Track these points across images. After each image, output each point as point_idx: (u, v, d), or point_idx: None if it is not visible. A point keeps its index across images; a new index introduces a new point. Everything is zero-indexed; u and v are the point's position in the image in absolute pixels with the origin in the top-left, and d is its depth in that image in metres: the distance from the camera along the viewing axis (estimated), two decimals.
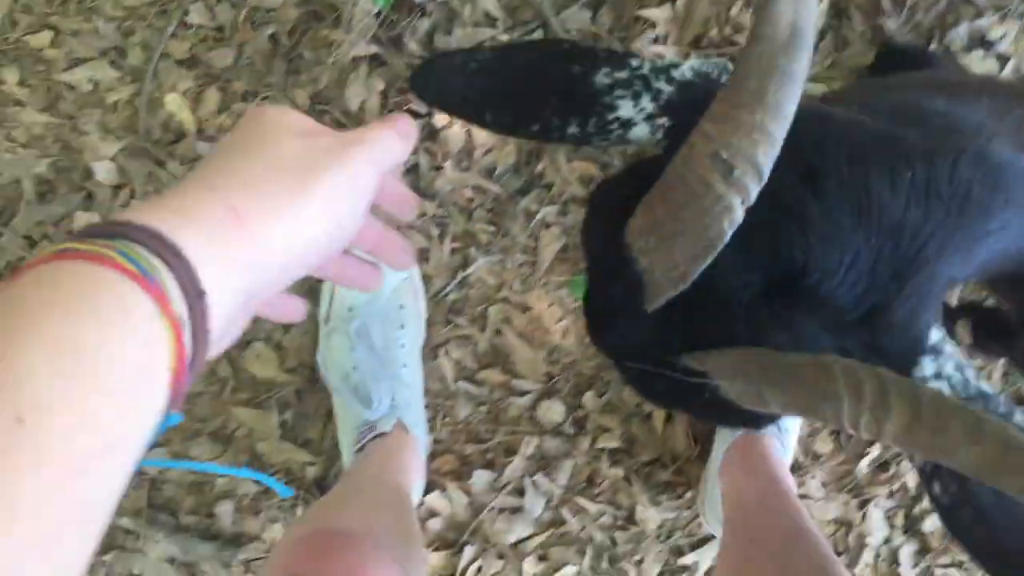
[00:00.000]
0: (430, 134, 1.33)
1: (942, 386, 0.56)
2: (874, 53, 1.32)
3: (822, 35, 1.34)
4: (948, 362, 0.56)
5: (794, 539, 0.92)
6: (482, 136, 1.32)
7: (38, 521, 0.28)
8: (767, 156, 0.47)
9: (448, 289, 1.32)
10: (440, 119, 1.32)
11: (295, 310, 0.53)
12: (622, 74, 0.61)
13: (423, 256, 1.31)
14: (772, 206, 0.51)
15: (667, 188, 0.51)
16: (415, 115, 1.32)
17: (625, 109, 0.60)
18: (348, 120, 1.30)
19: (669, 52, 1.32)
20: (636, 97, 0.61)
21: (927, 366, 0.56)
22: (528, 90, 0.63)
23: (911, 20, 1.33)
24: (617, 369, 0.64)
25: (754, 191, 0.48)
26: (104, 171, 1.29)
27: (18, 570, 0.27)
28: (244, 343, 1.29)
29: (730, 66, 0.62)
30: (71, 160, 1.29)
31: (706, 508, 1.28)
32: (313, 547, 0.77)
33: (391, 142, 0.49)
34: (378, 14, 1.30)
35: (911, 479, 1.36)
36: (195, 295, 0.36)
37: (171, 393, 0.35)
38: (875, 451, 1.35)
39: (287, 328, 1.30)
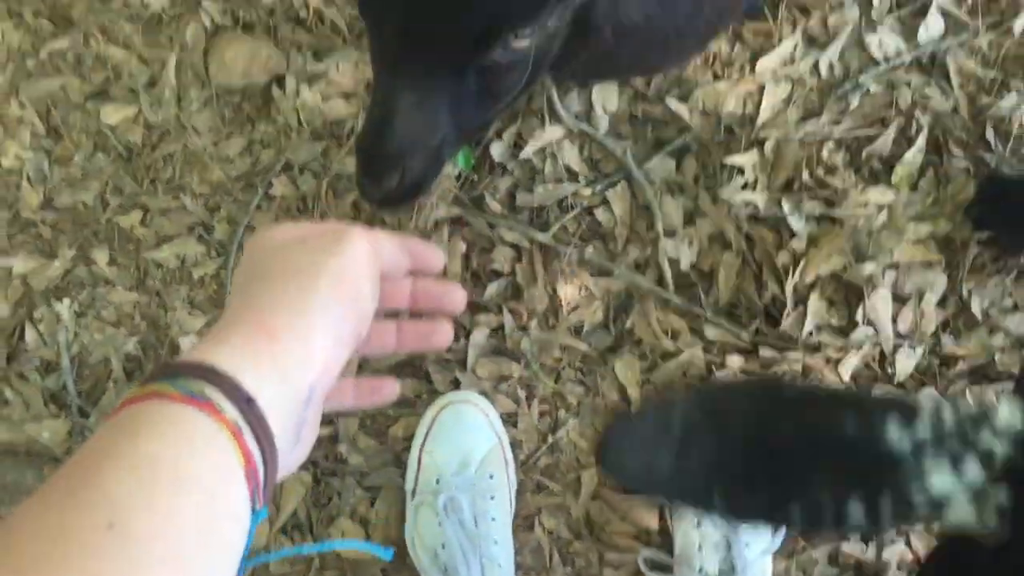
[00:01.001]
0: (514, 293, 1.29)
1: None
2: (975, 186, 1.25)
3: (922, 172, 1.27)
4: None
5: None
6: (568, 292, 1.28)
7: None
8: None
9: (538, 454, 1.26)
10: (523, 275, 1.29)
11: (387, 391, 0.60)
12: (923, 431, 0.45)
13: (511, 421, 1.26)
14: None
15: None
16: (497, 274, 1.29)
17: (940, 478, 0.44)
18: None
19: (759, 199, 1.27)
20: (956, 462, 0.44)
21: None
22: (776, 462, 0.47)
23: (1017, 151, 1.26)
24: None
25: None
26: (190, 346, 1.28)
27: None
28: (329, 518, 1.25)
29: None
30: (158, 336, 1.30)
31: None
32: None
33: (382, 235, 0.55)
34: (458, 176, 1.29)
35: None
36: (243, 400, 0.42)
37: (250, 489, 0.40)
38: None
39: (373, 501, 1.25)
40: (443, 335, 0.62)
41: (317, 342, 0.47)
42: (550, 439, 1.26)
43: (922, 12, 1.31)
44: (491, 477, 1.21)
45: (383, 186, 0.67)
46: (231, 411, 0.41)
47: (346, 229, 0.52)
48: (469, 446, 1.21)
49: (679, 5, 0.88)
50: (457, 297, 0.63)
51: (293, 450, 0.48)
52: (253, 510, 0.41)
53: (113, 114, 1.34)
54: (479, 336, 1.27)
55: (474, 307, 1.29)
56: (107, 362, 1.30)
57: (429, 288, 0.62)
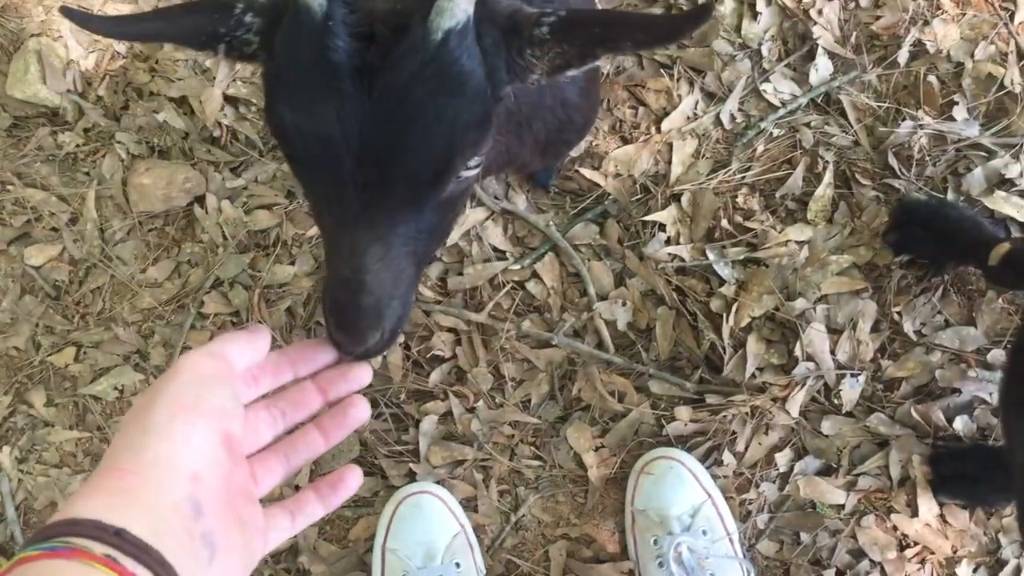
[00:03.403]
0: (457, 376, 1.29)
1: None
2: (888, 212, 1.29)
3: (835, 205, 1.31)
4: None
5: None
6: (511, 368, 1.29)
7: None
8: None
9: (503, 535, 1.24)
10: (465, 358, 1.29)
11: (352, 481, 0.62)
12: None
13: (471, 505, 1.24)
14: None
15: None
16: (439, 359, 1.30)
17: None
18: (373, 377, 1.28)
19: (684, 251, 1.29)
20: None
21: None
22: None
23: (922, 175, 1.30)
24: None
25: None
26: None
27: None
28: None
29: None
30: None
31: None
32: None
33: (220, 340, 0.58)
34: None
35: None
36: (111, 534, 0.45)
37: None
38: None
39: None
40: (360, 408, 0.63)
41: (175, 462, 0.51)
42: (513, 518, 1.24)
43: (810, 56, 1.37)
44: (458, 566, 1.19)
45: (366, 344, 0.67)
46: (99, 547, 0.44)
47: (180, 358, 0.56)
48: (432, 537, 1.19)
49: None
50: (359, 372, 0.64)
51: (215, 558, 0.50)
52: None
53: (37, 255, 1.34)
54: (428, 424, 1.26)
55: (420, 395, 1.28)
56: (54, 505, 1.26)
57: (331, 377, 0.64)
